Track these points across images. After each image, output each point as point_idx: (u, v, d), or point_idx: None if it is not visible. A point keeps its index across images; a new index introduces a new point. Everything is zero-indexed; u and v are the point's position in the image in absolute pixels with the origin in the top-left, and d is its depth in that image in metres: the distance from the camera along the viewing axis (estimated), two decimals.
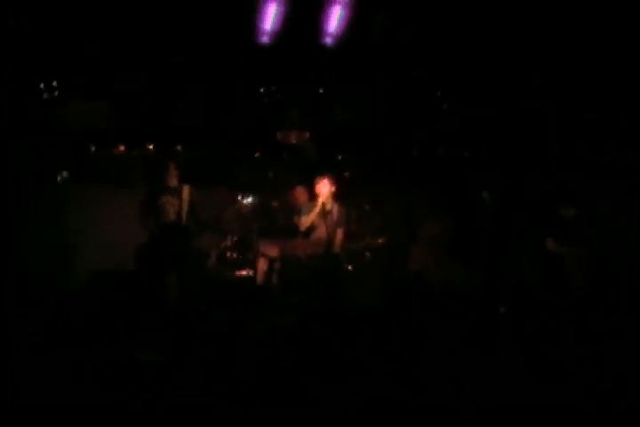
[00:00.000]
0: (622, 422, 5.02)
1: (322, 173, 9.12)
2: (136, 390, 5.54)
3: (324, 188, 8.85)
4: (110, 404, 5.26)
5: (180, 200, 8.56)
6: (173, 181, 8.58)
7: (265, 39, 8.76)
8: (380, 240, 9.47)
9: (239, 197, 9.92)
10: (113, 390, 5.52)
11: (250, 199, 10.03)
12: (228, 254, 9.63)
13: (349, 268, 9.45)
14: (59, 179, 10.06)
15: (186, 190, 8.59)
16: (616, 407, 5.21)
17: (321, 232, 8.83)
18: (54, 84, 9.51)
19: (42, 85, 9.41)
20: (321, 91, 9.85)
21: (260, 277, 9.22)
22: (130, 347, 6.54)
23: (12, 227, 8.41)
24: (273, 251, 9.08)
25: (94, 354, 6.31)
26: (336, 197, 8.91)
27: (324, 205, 8.78)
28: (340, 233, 8.92)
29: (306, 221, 8.80)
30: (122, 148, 10.22)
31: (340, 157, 10.63)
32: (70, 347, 6.48)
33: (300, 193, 9.38)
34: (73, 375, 5.78)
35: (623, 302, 8.10)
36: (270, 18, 8.68)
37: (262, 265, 9.22)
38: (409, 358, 6.58)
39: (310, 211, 8.80)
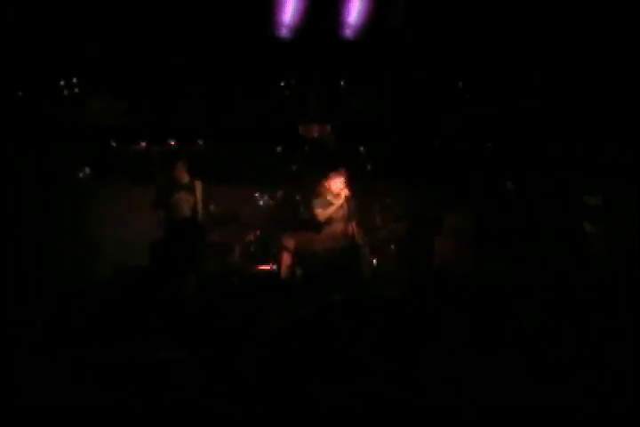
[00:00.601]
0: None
1: (344, 165, 9.10)
2: (155, 387, 5.59)
3: (339, 184, 8.91)
4: (128, 402, 5.29)
5: (194, 196, 8.59)
6: (185, 177, 8.62)
7: (284, 31, 8.73)
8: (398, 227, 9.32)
9: (259, 193, 9.93)
10: (129, 388, 5.54)
11: (271, 194, 10.03)
12: (252, 248, 9.62)
13: (373, 260, 9.41)
14: (80, 175, 10.04)
15: (199, 186, 8.61)
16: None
17: (340, 224, 8.77)
18: (74, 80, 9.46)
19: (61, 82, 9.37)
20: (342, 83, 9.76)
21: (283, 271, 9.24)
22: (149, 344, 6.60)
23: (27, 224, 8.50)
24: (297, 244, 9.12)
25: (111, 352, 6.34)
26: (357, 188, 8.85)
27: (344, 196, 8.75)
28: (361, 224, 8.87)
29: (323, 213, 8.70)
30: (142, 144, 10.18)
31: (362, 149, 10.52)
32: (87, 344, 6.52)
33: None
34: (86, 375, 5.78)
35: None
36: (289, 9, 8.67)
37: (286, 258, 9.25)
38: (427, 353, 6.53)
39: (326, 203, 8.75)
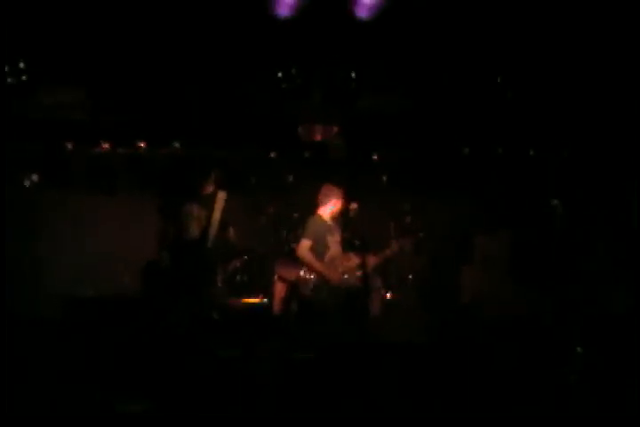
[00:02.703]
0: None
1: (352, 175, 9.02)
2: None
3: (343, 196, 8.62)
4: None
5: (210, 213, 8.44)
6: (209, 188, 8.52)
7: (283, 11, 8.67)
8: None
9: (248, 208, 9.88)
10: None
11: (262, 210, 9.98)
12: (238, 278, 9.57)
13: (387, 295, 9.35)
14: (27, 183, 9.98)
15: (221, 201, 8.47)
16: None
17: (335, 253, 8.57)
18: (22, 66, 9.39)
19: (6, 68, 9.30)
20: (352, 75, 9.70)
21: (276, 305, 9.17)
22: (111, 396, 6.56)
23: None
24: (294, 273, 8.98)
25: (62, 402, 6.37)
26: (367, 204, 8.74)
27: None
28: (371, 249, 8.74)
29: (306, 243, 8.42)
30: (105, 145, 10.10)
31: (375, 157, 10.48)
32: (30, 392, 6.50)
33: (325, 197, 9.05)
34: None
35: None
36: None
37: (280, 290, 9.17)
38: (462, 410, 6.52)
39: (317, 227, 8.49)
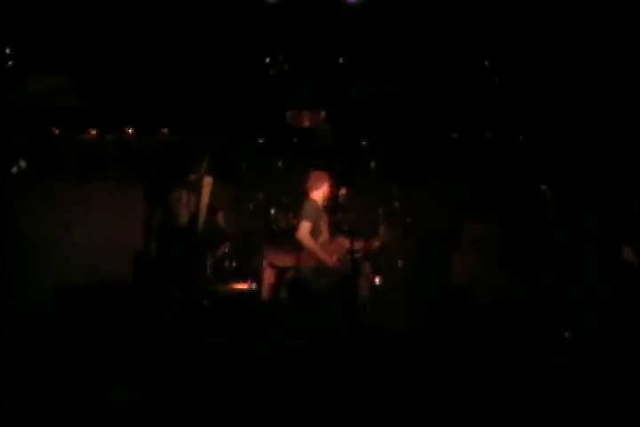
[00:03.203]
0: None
1: (341, 161, 9.00)
2: None
3: (334, 182, 8.71)
4: None
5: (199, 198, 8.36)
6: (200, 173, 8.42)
7: None
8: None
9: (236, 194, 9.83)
10: None
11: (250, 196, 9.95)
12: (226, 263, 9.52)
13: (376, 280, 9.33)
14: (14, 170, 9.94)
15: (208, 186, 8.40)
16: None
17: (325, 237, 8.61)
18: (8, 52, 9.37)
19: None
20: (340, 60, 9.68)
21: (265, 292, 9.15)
22: (103, 385, 6.56)
23: None
24: (284, 259, 9.00)
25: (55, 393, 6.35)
26: (356, 191, 8.73)
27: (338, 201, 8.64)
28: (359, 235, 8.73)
29: (307, 226, 8.49)
30: (93, 132, 10.05)
31: (363, 143, 10.46)
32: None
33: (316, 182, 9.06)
34: None
35: None
36: None
37: (269, 277, 9.15)
38: (451, 397, 6.53)
39: (315, 209, 8.53)
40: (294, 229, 8.66)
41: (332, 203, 8.80)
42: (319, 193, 8.61)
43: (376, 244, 8.98)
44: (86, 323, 8.36)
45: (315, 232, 8.44)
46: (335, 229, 8.86)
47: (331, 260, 8.42)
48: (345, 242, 8.56)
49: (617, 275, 8.86)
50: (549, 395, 6.60)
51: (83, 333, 8.07)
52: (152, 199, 8.34)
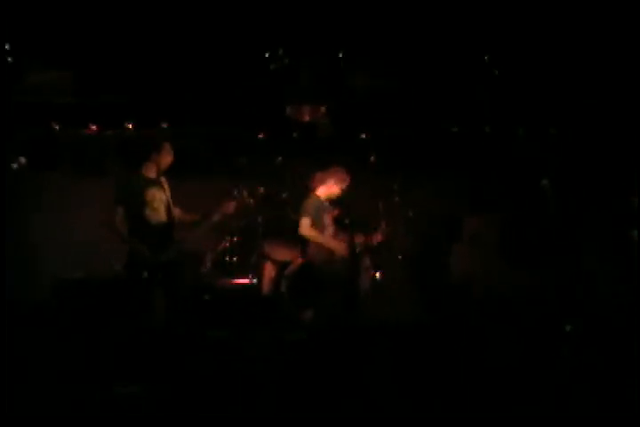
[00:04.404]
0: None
1: (341, 155, 9.01)
2: None
3: (343, 183, 8.72)
4: None
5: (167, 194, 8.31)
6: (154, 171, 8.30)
7: None
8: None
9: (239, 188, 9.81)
10: None
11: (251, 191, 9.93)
12: (227, 258, 9.53)
13: (376, 274, 9.35)
14: (15, 165, 9.95)
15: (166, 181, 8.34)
16: None
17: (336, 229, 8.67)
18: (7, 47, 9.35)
19: None
20: (340, 54, 9.68)
21: (265, 286, 9.17)
22: (106, 380, 6.62)
23: None
24: (284, 254, 9.04)
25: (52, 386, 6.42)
26: (357, 185, 8.74)
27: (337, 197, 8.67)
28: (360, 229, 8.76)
29: (307, 221, 8.53)
30: (93, 127, 10.05)
31: (363, 136, 10.45)
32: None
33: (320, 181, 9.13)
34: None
35: None
36: None
37: (269, 271, 9.17)
38: (451, 392, 6.56)
39: (323, 206, 8.59)
40: (295, 224, 8.74)
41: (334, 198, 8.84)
42: (324, 189, 8.70)
43: (377, 238, 9.02)
44: (84, 317, 8.40)
45: (317, 227, 8.52)
46: (336, 224, 8.91)
47: (341, 247, 8.51)
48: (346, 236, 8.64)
49: (618, 265, 8.91)
50: (549, 389, 6.64)
51: (80, 327, 8.12)
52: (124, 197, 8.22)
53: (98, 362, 7.07)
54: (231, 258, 9.73)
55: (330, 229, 8.74)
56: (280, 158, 10.26)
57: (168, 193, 8.31)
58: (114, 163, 10.16)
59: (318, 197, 8.69)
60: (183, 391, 6.43)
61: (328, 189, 8.74)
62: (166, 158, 8.11)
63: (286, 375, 6.85)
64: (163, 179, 8.32)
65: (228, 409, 6.14)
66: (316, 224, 8.55)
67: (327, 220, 8.75)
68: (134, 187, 8.01)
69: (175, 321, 7.91)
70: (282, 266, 9.19)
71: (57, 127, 10.06)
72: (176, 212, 8.35)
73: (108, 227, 7.81)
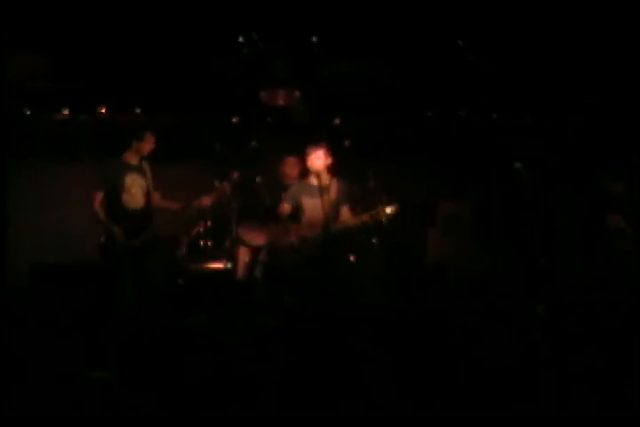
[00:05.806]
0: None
1: (315, 140, 8.98)
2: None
3: (318, 160, 8.60)
4: None
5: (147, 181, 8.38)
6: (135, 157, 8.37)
7: None
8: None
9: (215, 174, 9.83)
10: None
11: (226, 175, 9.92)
12: (202, 243, 9.53)
13: (351, 258, 9.35)
14: None
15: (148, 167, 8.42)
16: None
17: (313, 215, 8.57)
18: None
19: None
20: (314, 38, 9.67)
21: (240, 270, 9.18)
22: (79, 363, 6.67)
23: None
24: (257, 238, 9.06)
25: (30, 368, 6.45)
26: (333, 171, 8.70)
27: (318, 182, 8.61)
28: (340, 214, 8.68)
29: (310, 202, 8.55)
30: (65, 111, 10.02)
31: (337, 122, 10.46)
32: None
33: (290, 166, 9.34)
34: None
35: None
36: None
37: (243, 256, 9.19)
38: (425, 370, 6.61)
39: (308, 188, 8.56)
40: (271, 209, 8.83)
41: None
42: (293, 176, 8.82)
43: (351, 222, 9.00)
44: (62, 303, 8.41)
45: (297, 211, 8.54)
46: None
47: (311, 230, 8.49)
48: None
49: (591, 249, 8.98)
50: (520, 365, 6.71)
51: (55, 312, 8.13)
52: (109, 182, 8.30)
53: (72, 347, 7.09)
54: (205, 243, 9.73)
55: (314, 213, 8.64)
56: (254, 143, 10.25)
57: (149, 179, 8.40)
58: (93, 149, 10.17)
59: (294, 184, 8.75)
60: (157, 377, 6.45)
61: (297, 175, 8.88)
62: (147, 146, 8.27)
63: (259, 362, 6.86)
64: (144, 164, 8.39)
65: (205, 396, 6.18)
66: (297, 212, 8.57)
67: (308, 204, 8.63)
68: (114, 172, 8.16)
69: (148, 306, 7.98)
70: (256, 251, 9.23)
71: (29, 112, 10.05)
72: (155, 198, 8.44)
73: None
